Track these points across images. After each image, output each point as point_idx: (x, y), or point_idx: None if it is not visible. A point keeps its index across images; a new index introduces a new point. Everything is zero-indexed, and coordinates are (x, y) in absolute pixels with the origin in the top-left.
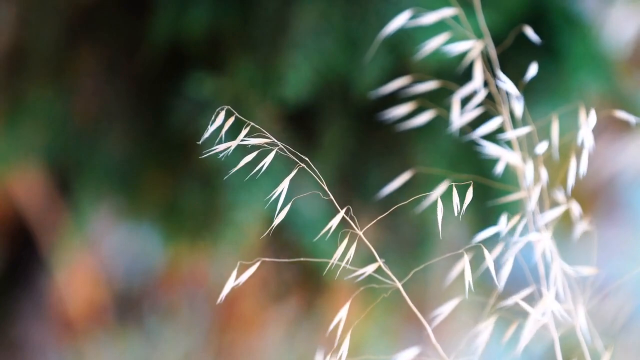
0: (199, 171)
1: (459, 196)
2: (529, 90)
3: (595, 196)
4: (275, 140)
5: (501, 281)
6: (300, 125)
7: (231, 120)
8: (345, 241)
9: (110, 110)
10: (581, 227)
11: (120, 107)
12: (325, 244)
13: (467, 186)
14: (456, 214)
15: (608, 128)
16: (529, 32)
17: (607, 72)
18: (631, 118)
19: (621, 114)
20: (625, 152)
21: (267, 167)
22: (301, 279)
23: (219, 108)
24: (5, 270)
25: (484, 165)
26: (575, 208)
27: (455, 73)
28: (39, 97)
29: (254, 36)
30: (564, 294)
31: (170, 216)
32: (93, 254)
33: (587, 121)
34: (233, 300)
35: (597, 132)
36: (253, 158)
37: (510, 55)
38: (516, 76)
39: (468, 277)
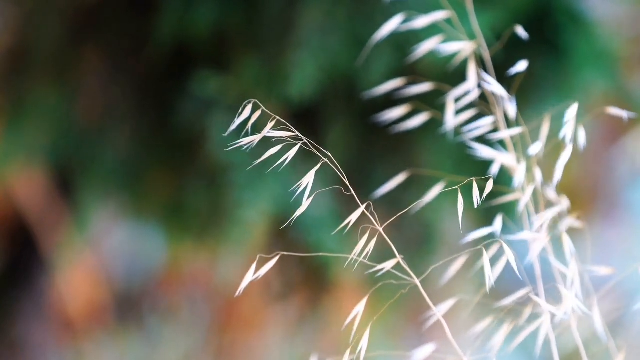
0: (204, 170)
1: (463, 195)
2: (533, 88)
3: (596, 196)
4: (300, 135)
5: (493, 280)
6: (306, 124)
7: (258, 113)
8: (365, 237)
9: (115, 109)
10: (569, 222)
11: (125, 106)
12: (332, 242)
13: (470, 186)
14: (475, 206)
15: (609, 128)
16: (520, 31)
17: (612, 70)
18: (624, 113)
19: (614, 110)
20: (624, 151)
21: (273, 168)
22: (305, 277)
23: (246, 101)
24: (5, 270)
25: (489, 165)
26: (565, 204)
27: (459, 75)
28: (43, 97)
29: (260, 35)
30: (580, 293)
31: (175, 215)
32: (93, 253)
33: (574, 118)
34: (233, 300)
35: (598, 131)
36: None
37: (515, 55)
38: (519, 76)
39: (488, 271)
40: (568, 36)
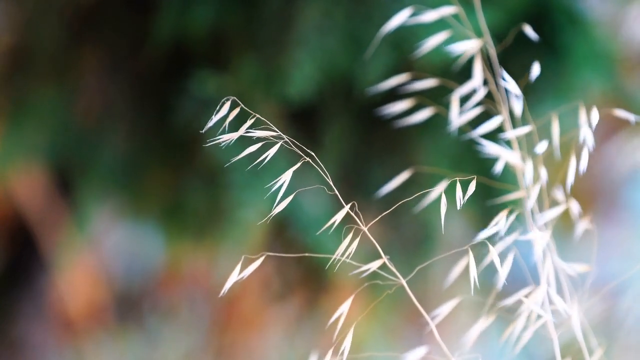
0: (203, 170)
1: (461, 192)
2: (531, 89)
3: (595, 196)
4: (281, 133)
5: (500, 280)
6: (303, 124)
7: (236, 110)
8: (350, 236)
9: (114, 109)
10: (581, 225)
11: (124, 105)
12: (330, 241)
13: (468, 183)
14: (458, 208)
15: (608, 127)
16: (529, 30)
17: (610, 71)
18: (631, 116)
19: (620, 113)
20: (625, 151)
21: (272, 165)
22: (304, 277)
23: (224, 99)
24: (5, 270)
25: (487, 164)
26: (575, 207)
27: (459, 72)
28: (42, 97)
29: (258, 34)
30: (560, 292)
31: (173, 215)
32: (93, 253)
33: (588, 119)
34: (233, 300)
35: (597, 131)
36: (258, 151)
37: (513, 54)
38: (518, 75)
39: (473, 273)
40: (566, 36)
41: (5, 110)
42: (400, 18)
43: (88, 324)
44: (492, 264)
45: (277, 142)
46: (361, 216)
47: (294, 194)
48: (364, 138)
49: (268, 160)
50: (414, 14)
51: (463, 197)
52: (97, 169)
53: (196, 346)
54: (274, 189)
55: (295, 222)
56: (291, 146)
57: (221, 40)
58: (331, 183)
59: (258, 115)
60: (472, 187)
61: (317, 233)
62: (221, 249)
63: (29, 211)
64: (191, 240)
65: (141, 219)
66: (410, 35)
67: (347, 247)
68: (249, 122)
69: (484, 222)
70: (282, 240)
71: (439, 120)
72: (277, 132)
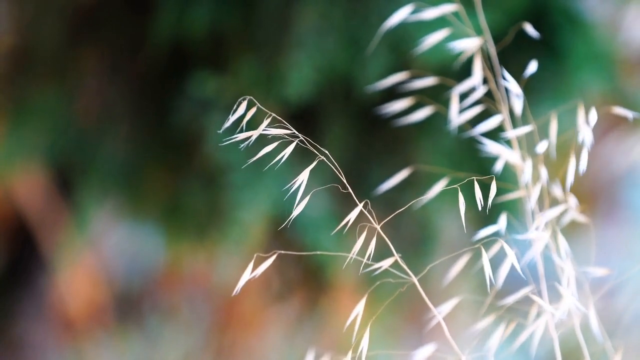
0: (202, 170)
1: (463, 194)
2: (530, 89)
3: (596, 196)
4: (295, 132)
5: (500, 279)
6: (302, 125)
7: (253, 110)
8: (364, 235)
9: (113, 110)
10: (572, 215)
11: (123, 106)
12: (329, 243)
13: (471, 183)
14: (480, 209)
15: (608, 127)
16: (529, 28)
17: (609, 71)
18: (628, 113)
19: (618, 110)
20: (625, 151)
21: (270, 166)
22: (304, 277)
23: (241, 98)
24: (5, 270)
25: (486, 163)
26: (573, 201)
27: (458, 72)
28: (42, 97)
29: (257, 35)
30: (575, 293)
31: (173, 216)
32: (93, 253)
33: (587, 119)
34: (233, 300)
35: (597, 131)
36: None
37: (512, 54)
38: (517, 74)
39: (488, 270)
40: (565, 37)
41: (6, 111)
42: (401, 14)
43: (88, 324)
44: (491, 263)
45: (283, 141)
46: (374, 214)
47: (309, 195)
48: (364, 139)
49: (268, 161)
50: (414, 11)
51: (467, 202)
52: (97, 170)
53: (196, 346)
54: (290, 190)
55: (295, 224)
56: (306, 144)
57: (220, 42)
58: (345, 181)
59: (274, 115)
60: (493, 187)
61: (332, 233)
62: (221, 250)
63: (29, 211)
64: (191, 241)
65: (141, 220)
66: (409, 36)
67: (362, 246)
68: (266, 121)
69: (483, 222)
70: (281, 242)
71: (439, 120)
72: (292, 130)
